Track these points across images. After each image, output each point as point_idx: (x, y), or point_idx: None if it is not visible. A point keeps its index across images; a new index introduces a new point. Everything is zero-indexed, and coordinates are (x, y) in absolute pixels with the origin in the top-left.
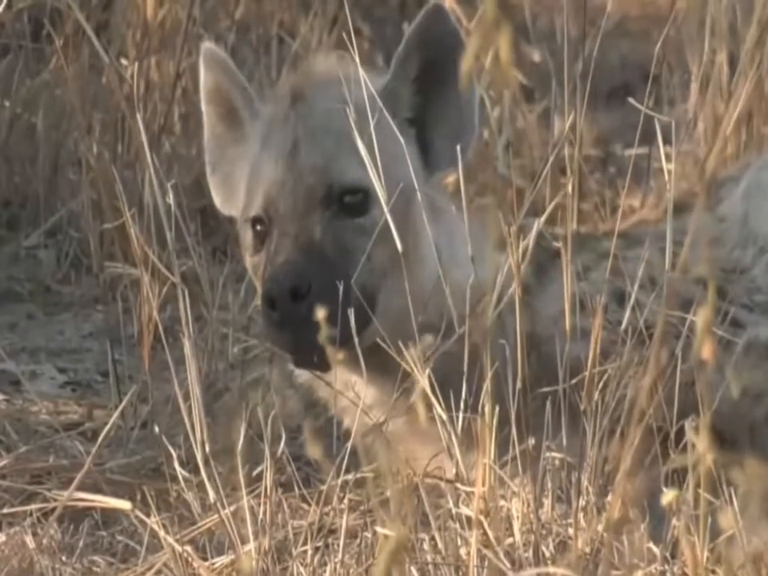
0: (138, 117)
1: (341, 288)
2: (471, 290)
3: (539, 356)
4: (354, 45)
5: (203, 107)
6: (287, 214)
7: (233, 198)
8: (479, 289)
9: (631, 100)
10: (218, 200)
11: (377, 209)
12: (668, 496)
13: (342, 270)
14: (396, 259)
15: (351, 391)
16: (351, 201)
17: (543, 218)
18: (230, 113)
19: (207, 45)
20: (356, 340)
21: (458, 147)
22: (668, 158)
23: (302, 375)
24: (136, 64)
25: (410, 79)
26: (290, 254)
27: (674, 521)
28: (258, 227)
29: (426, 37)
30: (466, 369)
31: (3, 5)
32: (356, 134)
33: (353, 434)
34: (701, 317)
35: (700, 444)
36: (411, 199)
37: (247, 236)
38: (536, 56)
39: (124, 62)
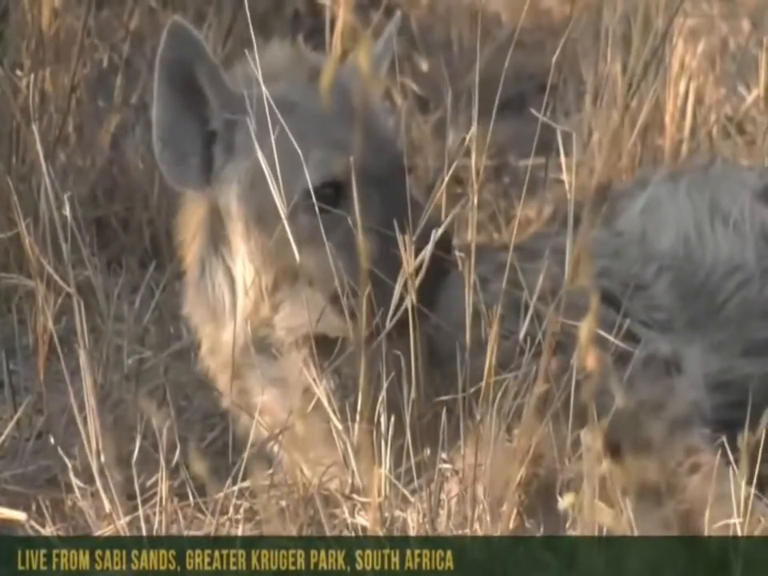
0: (34, 128)
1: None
2: None
3: (443, 373)
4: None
5: (157, 82)
6: (383, 174)
7: (187, 172)
8: None
9: (533, 110)
10: (170, 176)
11: None
12: (566, 500)
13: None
14: None
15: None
16: None
17: (441, 231)
18: (191, 90)
19: (176, 18)
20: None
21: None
22: (562, 168)
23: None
24: (31, 75)
25: None
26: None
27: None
28: (328, 191)
29: None
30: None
31: None
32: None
33: (249, 442)
34: (584, 328)
35: (594, 451)
36: None
37: (302, 218)
38: (424, 65)
39: (19, 72)
